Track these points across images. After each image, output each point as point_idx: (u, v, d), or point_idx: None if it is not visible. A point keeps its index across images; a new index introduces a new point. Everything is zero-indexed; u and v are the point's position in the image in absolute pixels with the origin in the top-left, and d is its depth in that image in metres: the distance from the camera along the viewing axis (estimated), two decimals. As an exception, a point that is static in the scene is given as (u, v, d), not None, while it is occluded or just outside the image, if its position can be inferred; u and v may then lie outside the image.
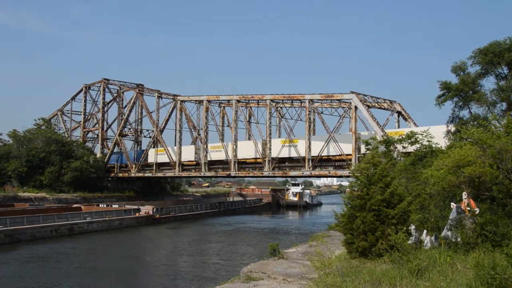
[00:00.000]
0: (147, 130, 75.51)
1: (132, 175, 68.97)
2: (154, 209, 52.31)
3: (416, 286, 9.18)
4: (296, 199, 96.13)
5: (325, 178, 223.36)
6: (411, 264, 10.14)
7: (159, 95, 68.51)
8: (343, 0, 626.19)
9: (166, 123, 70.18)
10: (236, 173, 55.06)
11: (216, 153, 59.28)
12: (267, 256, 15.80)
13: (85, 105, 78.62)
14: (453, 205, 13.68)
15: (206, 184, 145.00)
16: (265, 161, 50.27)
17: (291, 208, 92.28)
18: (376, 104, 46.01)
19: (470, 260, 10.72)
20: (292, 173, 50.15)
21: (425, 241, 13.42)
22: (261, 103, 56.54)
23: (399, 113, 48.04)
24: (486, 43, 27.32)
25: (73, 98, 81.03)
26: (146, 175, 68.46)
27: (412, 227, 13.84)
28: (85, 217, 42.97)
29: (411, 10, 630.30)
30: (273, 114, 54.49)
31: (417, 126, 41.27)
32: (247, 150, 54.99)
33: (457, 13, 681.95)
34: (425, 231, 14.18)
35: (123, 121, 71.98)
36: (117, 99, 74.89)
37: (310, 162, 45.81)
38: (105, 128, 76.40)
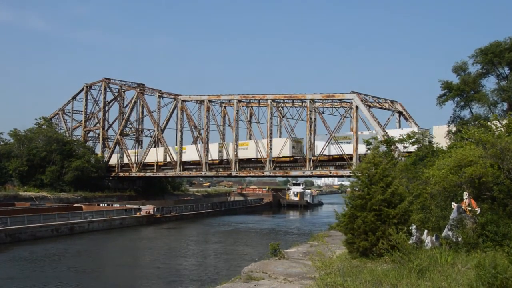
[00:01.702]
0: (148, 130, 75.72)
1: (133, 174, 69.02)
2: (155, 209, 52.34)
3: (417, 286, 9.17)
4: (297, 198, 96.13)
5: (326, 178, 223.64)
6: (412, 264, 10.14)
7: (160, 94, 68.53)
8: (345, 1, 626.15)
9: (167, 123, 70.20)
10: (237, 173, 55.04)
11: (243, 151, 54.84)
12: (268, 256, 15.80)
13: (86, 105, 78.73)
14: (454, 205, 13.67)
15: (207, 184, 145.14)
16: (265, 160, 50.20)
17: (292, 208, 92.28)
18: (377, 104, 46.01)
19: (471, 260, 10.72)
20: (293, 172, 50.14)
21: (426, 241, 13.41)
22: (262, 103, 56.53)
23: (400, 113, 48.03)
24: (487, 43, 27.36)
25: (74, 98, 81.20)
26: (147, 174, 68.52)
27: (413, 227, 13.83)
28: (86, 216, 42.99)
29: (412, 10, 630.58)
30: (274, 114, 54.50)
31: (418, 126, 41.28)
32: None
33: (458, 12, 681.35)
34: (426, 231, 14.17)
35: (124, 121, 72.06)
36: (118, 99, 74.98)
37: (311, 162, 45.80)
38: (106, 128, 76.51)
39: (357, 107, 42.47)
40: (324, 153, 46.05)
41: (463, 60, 28.34)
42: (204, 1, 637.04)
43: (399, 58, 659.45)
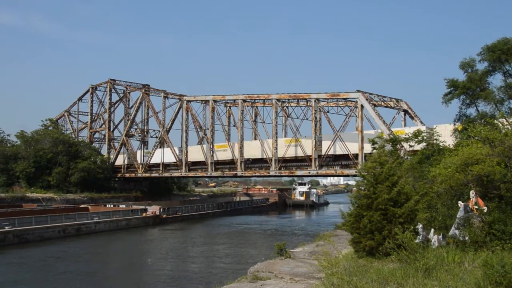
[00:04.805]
0: (154, 130, 75.80)
1: (139, 175, 69.23)
2: (161, 209, 52.46)
3: (424, 285, 9.12)
4: (302, 198, 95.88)
5: (331, 177, 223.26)
6: (418, 263, 10.08)
7: (165, 95, 68.67)
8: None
9: (172, 123, 70.32)
10: (242, 173, 55.00)
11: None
12: (274, 255, 15.79)
13: (91, 106, 79.03)
14: (460, 203, 13.60)
15: (213, 184, 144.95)
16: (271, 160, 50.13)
17: (297, 207, 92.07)
18: (382, 103, 45.83)
19: (479, 259, 10.65)
20: (299, 172, 50.02)
21: (433, 240, 13.34)
22: (267, 103, 56.45)
23: (405, 111, 47.83)
24: (494, 40, 27.11)
25: (80, 99, 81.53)
26: (153, 175, 68.69)
27: (420, 226, 13.77)
28: (93, 217, 43.18)
29: (417, 8, 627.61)
30: (279, 114, 54.39)
31: (424, 125, 41.06)
32: None
33: (464, 10, 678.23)
34: (432, 230, 14.10)
35: (129, 122, 72.27)
36: (124, 100, 75.21)
37: (317, 161, 45.71)
38: (111, 129, 76.72)
39: (362, 106, 42.33)
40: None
41: (471, 57, 28.10)
42: (208, 1, 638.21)
43: (405, 56, 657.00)
